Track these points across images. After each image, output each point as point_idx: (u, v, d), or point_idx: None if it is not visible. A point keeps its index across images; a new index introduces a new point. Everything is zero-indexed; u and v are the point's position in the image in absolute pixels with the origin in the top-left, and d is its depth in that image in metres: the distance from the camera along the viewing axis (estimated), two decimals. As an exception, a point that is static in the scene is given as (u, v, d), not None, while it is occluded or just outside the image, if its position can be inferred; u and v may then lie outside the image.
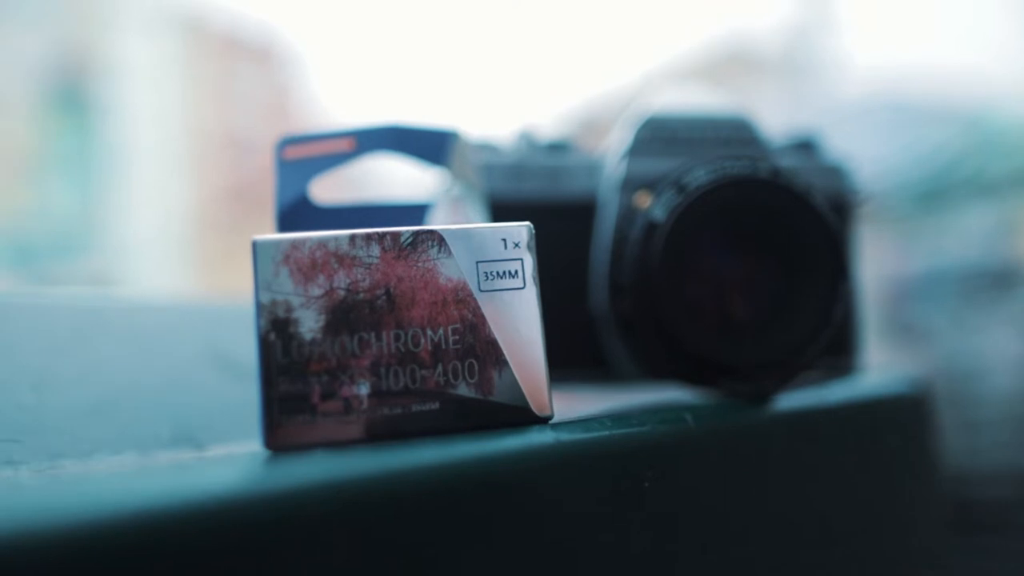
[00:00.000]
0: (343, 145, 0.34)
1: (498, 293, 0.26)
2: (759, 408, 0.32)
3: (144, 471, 0.25)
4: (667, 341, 0.32)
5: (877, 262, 2.75)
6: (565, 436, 0.25)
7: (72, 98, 7.35)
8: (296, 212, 0.33)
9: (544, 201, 0.39)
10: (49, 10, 6.94)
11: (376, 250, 0.26)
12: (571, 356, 0.38)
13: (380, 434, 0.25)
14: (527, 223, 0.27)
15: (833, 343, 0.41)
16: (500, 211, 0.39)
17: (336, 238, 0.26)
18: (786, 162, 0.42)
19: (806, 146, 0.44)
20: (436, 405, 0.25)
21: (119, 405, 0.34)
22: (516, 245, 0.27)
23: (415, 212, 0.34)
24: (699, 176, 0.33)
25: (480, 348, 0.26)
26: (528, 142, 0.40)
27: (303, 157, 0.34)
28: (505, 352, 0.26)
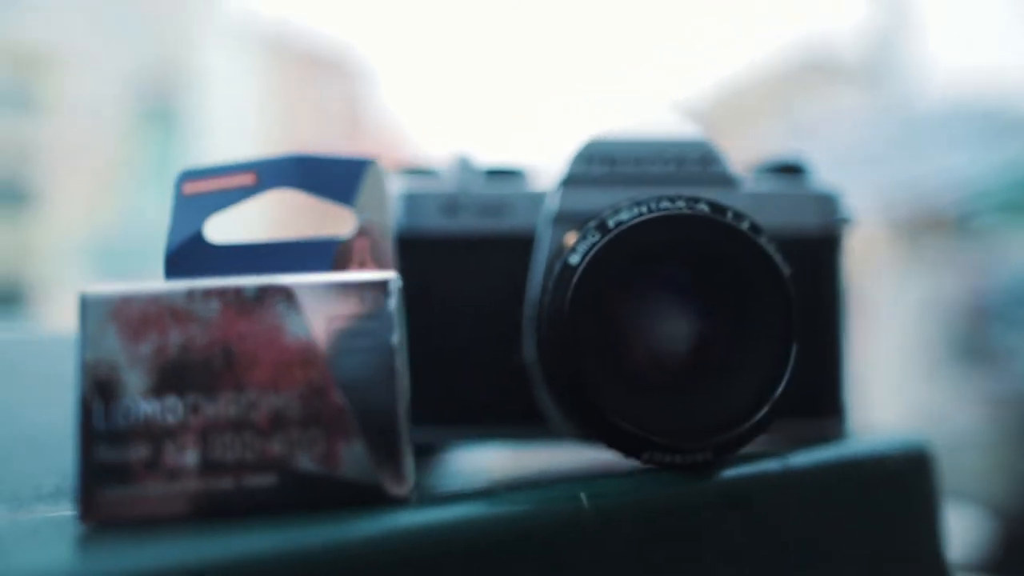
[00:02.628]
0: (244, 179, 0.32)
1: (352, 354, 0.23)
2: (690, 484, 0.28)
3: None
4: (582, 402, 0.28)
5: (952, 278, 2.61)
6: (417, 519, 0.22)
7: (160, 111, 7.65)
8: (188, 252, 0.31)
9: (481, 236, 0.36)
10: (140, 28, 7.26)
11: (216, 305, 0.23)
12: (506, 409, 0.35)
13: (208, 511, 0.22)
14: (390, 274, 0.24)
15: (806, 403, 0.37)
16: (432, 246, 0.36)
17: (172, 292, 0.23)
18: (764, 189, 0.38)
19: (790, 171, 0.40)
20: (273, 480, 0.23)
21: (11, 452, 0.32)
22: (375, 300, 0.24)
23: (317, 252, 0.31)
24: (623, 213, 0.29)
25: (327, 416, 0.23)
26: (466, 170, 0.37)
27: (203, 192, 0.32)
28: (356, 421, 0.23)
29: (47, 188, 6.85)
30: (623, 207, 0.29)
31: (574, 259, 0.29)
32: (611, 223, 0.29)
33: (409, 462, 0.24)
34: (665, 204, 0.29)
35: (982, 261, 2.58)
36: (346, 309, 0.24)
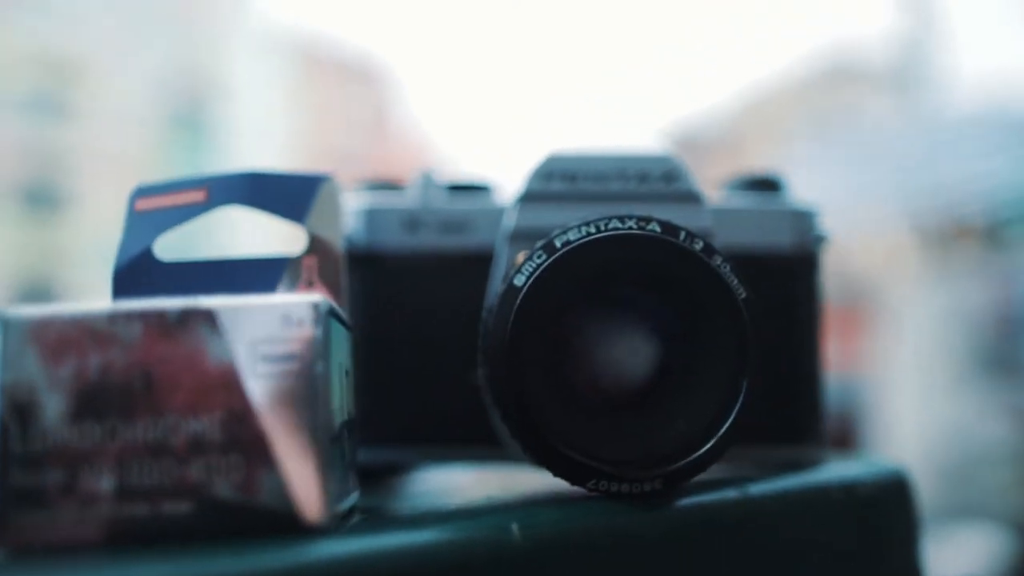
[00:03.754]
0: (195, 196, 0.31)
1: (274, 379, 0.23)
2: (637, 514, 0.27)
3: None
4: (524, 426, 0.27)
5: (979, 288, 2.56)
6: (330, 550, 0.22)
7: (189, 118, 7.76)
8: (136, 269, 0.30)
9: (442, 253, 0.36)
10: (170, 36, 7.36)
11: (138, 328, 0.23)
12: (467, 431, 0.34)
13: (123, 538, 0.22)
14: (316, 297, 0.24)
15: (778, 430, 0.36)
16: (392, 263, 0.36)
17: (94, 314, 0.23)
18: (734, 205, 0.37)
19: (765, 187, 0.39)
20: (190, 507, 0.22)
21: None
22: (300, 323, 0.23)
23: (266, 270, 0.31)
24: (571, 233, 0.28)
25: (247, 442, 0.23)
26: (428, 185, 0.37)
27: (154, 209, 0.32)
28: (276, 448, 0.23)
29: (77, 192, 6.97)
30: (572, 226, 0.28)
31: (519, 280, 0.28)
32: (558, 243, 0.28)
33: (332, 490, 0.23)
34: (615, 224, 0.28)
35: (1010, 271, 2.52)
36: (270, 333, 0.23)
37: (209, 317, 0.23)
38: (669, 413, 0.29)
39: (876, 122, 3.56)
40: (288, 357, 0.23)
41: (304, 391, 0.23)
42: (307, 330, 0.23)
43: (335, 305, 0.26)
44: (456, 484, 0.35)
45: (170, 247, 0.31)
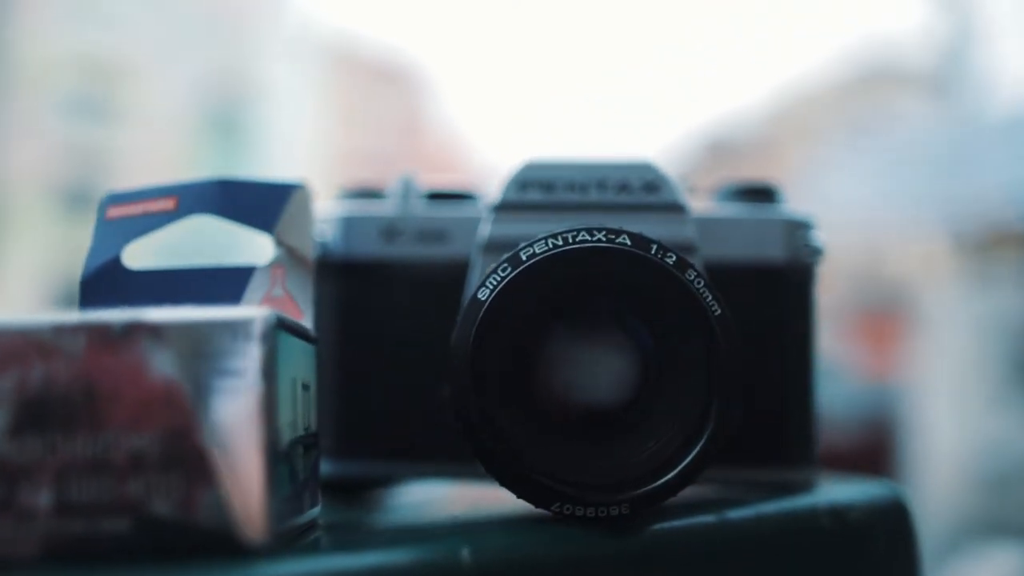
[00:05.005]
0: (165, 204, 0.31)
1: (218, 395, 0.22)
2: (602, 539, 0.26)
3: None
4: (484, 444, 0.27)
5: (1017, 296, 2.49)
6: (266, 571, 0.21)
7: (226, 120, 7.87)
8: (103, 278, 0.30)
9: (420, 262, 0.35)
10: (208, 40, 7.48)
11: (82, 341, 0.23)
12: (444, 446, 0.33)
13: (60, 554, 0.22)
14: (263, 311, 0.23)
15: (766, 451, 0.34)
16: (369, 272, 0.35)
17: (38, 326, 0.23)
18: (723, 215, 0.36)
19: (758, 196, 0.37)
20: (128, 524, 0.22)
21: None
22: (246, 338, 0.23)
23: (232, 279, 0.30)
24: (537, 245, 0.27)
25: (187, 459, 0.22)
26: (407, 193, 0.36)
27: (124, 217, 0.31)
28: (218, 465, 0.22)
29: (118, 193, 7.09)
30: (539, 238, 0.28)
31: (483, 294, 0.27)
32: (524, 255, 0.27)
33: (278, 508, 0.23)
34: (583, 236, 0.27)
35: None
36: (214, 348, 0.23)
37: (154, 331, 0.23)
38: (639, 434, 0.28)
39: (913, 125, 3.49)
40: (232, 372, 0.23)
41: (248, 407, 0.22)
42: (253, 345, 0.23)
43: (288, 318, 0.26)
44: (430, 500, 0.34)
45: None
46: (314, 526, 0.27)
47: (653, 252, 0.27)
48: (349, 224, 0.35)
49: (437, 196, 0.36)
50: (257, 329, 0.23)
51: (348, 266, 0.35)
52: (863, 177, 3.19)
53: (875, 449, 2.60)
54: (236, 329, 0.23)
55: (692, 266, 0.27)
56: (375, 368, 0.35)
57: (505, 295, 0.27)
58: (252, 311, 0.23)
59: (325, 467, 0.35)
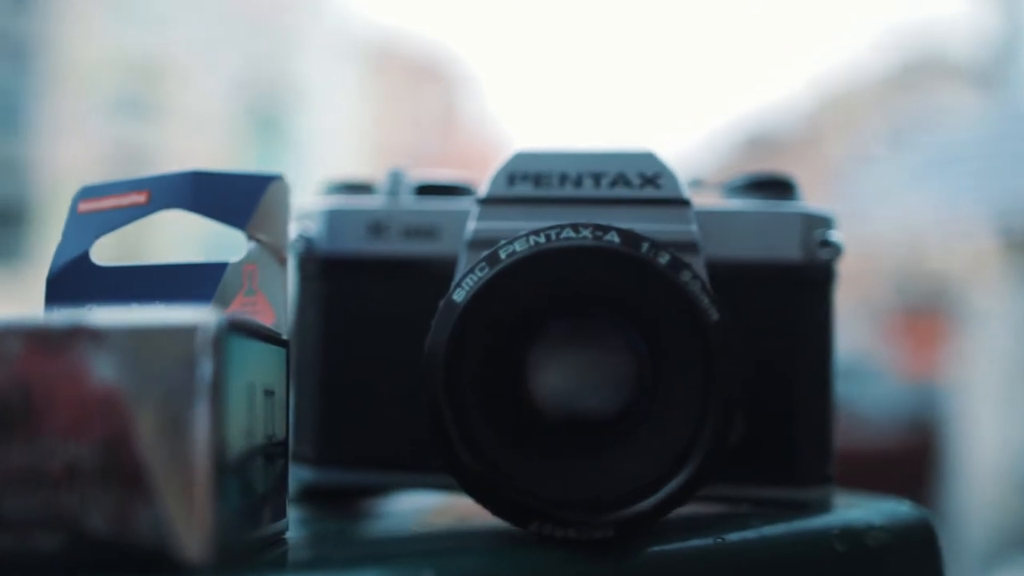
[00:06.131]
0: (137, 198, 0.30)
1: (161, 403, 0.21)
2: (584, 563, 0.24)
3: None
4: (458, 460, 0.25)
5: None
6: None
7: (266, 117, 7.95)
8: (71, 274, 0.29)
9: (407, 259, 0.33)
10: (248, 38, 7.56)
11: (20, 343, 0.21)
12: (428, 454, 0.31)
13: (-10, 571, 0.20)
14: (211, 315, 0.21)
15: (776, 469, 0.32)
16: (355, 269, 0.34)
17: (-27, 326, 0.21)
18: (733, 210, 0.33)
19: (772, 188, 0.34)
20: (60, 540, 0.20)
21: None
22: (192, 343, 0.21)
23: (203, 276, 0.29)
24: (518, 243, 0.25)
25: (126, 471, 0.21)
26: (396, 187, 0.34)
27: (96, 211, 0.30)
28: (158, 479, 0.21)
29: (160, 190, 7.21)
30: (520, 236, 0.26)
31: (458, 295, 0.25)
32: (503, 254, 0.25)
33: (224, 524, 0.21)
34: (567, 233, 0.25)
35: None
36: (158, 353, 0.21)
37: (95, 335, 0.21)
38: (627, 450, 0.25)
39: (959, 120, 3.39)
40: (176, 379, 0.21)
41: (194, 416, 0.21)
42: (200, 350, 0.21)
43: (248, 320, 0.24)
44: (411, 513, 0.32)
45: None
46: (278, 541, 0.25)
47: (644, 251, 0.25)
48: (334, 218, 0.34)
49: (428, 189, 0.34)
50: (202, 335, 0.21)
51: (332, 262, 0.34)
52: (907, 173, 3.11)
53: (918, 451, 2.52)
54: (180, 334, 0.21)
55: (688, 266, 0.25)
56: (358, 370, 0.33)
57: (482, 297, 0.25)
58: (199, 315, 0.21)
59: (305, 475, 0.33)
